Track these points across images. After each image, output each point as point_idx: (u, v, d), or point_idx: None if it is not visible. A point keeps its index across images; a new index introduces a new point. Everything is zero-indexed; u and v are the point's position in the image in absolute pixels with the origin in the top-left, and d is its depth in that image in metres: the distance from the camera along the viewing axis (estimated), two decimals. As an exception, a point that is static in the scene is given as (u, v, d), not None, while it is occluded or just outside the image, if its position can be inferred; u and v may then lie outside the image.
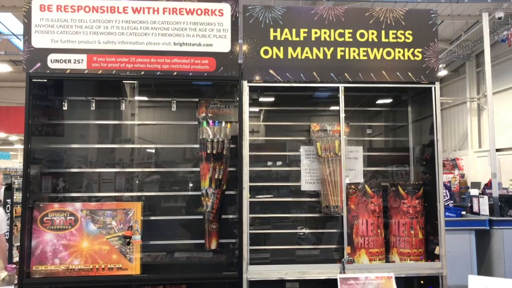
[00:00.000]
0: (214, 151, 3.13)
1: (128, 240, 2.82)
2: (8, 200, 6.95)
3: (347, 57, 3.04)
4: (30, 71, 2.79)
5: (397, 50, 3.07)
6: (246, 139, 2.93)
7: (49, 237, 2.83)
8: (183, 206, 3.36)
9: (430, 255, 3.08)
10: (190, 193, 3.37)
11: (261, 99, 3.47)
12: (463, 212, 5.83)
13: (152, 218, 3.26)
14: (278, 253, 3.29)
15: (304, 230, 3.32)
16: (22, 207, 2.76)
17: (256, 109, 3.50)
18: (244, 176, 2.91)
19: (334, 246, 3.20)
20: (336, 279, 2.84)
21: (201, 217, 3.25)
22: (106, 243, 2.86)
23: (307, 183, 3.32)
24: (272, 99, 3.54)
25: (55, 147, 3.23)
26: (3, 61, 11.61)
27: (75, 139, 3.30)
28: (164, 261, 3.29)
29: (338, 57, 3.03)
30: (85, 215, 2.88)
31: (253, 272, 2.86)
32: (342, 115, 3.05)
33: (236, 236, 3.22)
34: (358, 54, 3.05)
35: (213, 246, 3.17)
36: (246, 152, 2.93)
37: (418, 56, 3.09)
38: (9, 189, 6.94)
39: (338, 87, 3.04)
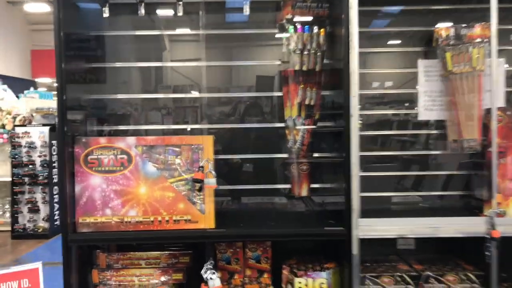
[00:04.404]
0: (304, 67, 2.31)
1: (199, 184, 2.12)
2: (54, 142, 6.53)
3: None
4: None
5: None
6: (355, 46, 2.09)
7: (96, 181, 2.18)
8: (262, 142, 2.62)
9: None
10: (270, 125, 2.61)
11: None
12: None
13: (222, 157, 2.53)
14: (380, 203, 2.52)
15: (424, 172, 2.53)
16: (58, 140, 2.10)
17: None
18: (352, 99, 2.09)
19: (467, 193, 2.41)
20: (479, 238, 2.07)
21: (285, 155, 2.50)
22: (170, 188, 2.19)
23: (426, 110, 2.46)
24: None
25: (95, 66, 2.52)
26: (41, 1, 10.96)
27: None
28: (241, 210, 2.62)
29: None
30: (140, 153, 2.19)
31: (365, 227, 2.12)
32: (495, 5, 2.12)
33: (331, 180, 2.48)
34: None
35: (304, 192, 2.44)
36: (354, 66, 2.10)
37: None
38: (53, 129, 6.49)
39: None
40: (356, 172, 2.11)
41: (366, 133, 2.25)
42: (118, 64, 2.51)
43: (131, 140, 2.20)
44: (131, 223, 2.19)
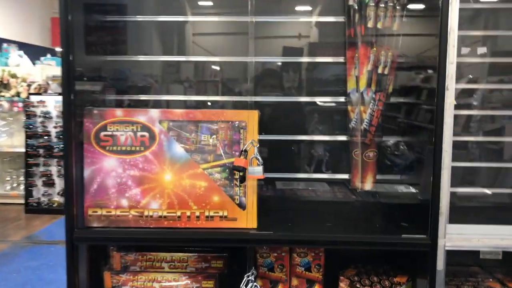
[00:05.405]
0: (379, 24, 1.78)
1: (240, 173, 1.64)
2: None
3: None
4: None
5: None
6: (455, -6, 1.55)
7: (110, 164, 1.72)
8: (318, 121, 2.11)
9: None
10: (324, 99, 2.09)
11: None
12: None
13: (264, 138, 2.02)
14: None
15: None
16: (63, 110, 1.64)
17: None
18: (448, 66, 1.57)
19: None
20: None
21: (344, 138, 2.01)
22: (202, 176, 1.71)
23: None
24: None
25: (111, 19, 2.03)
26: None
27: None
28: (278, 199, 2.14)
29: None
30: (166, 130, 1.71)
31: (455, 236, 1.63)
32: None
33: (405, 170, 1.98)
34: None
35: (368, 185, 1.94)
36: (454, 22, 1.56)
37: None
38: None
39: None
40: (448, 163, 1.60)
41: (463, 113, 1.71)
42: (139, 18, 2.02)
43: (155, 113, 1.72)
44: (153, 218, 1.73)
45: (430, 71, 2.03)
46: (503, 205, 2.15)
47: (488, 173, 2.20)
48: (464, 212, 1.91)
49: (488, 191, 1.92)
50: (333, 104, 2.08)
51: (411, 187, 2.14)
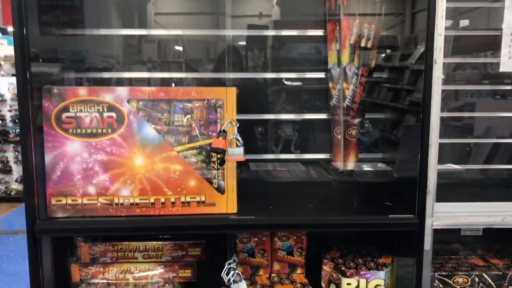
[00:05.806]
0: (362, -5, 1.69)
1: (220, 155, 1.52)
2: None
3: None
4: None
5: None
6: (443, -39, 1.47)
7: (74, 148, 1.56)
8: (292, 98, 2.01)
9: None
10: (302, 75, 1.98)
11: None
12: None
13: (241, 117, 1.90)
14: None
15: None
16: (18, 90, 1.46)
17: None
18: (437, 38, 1.49)
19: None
20: None
21: (324, 116, 1.93)
22: (177, 159, 1.58)
23: (512, 59, 1.89)
24: None
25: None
26: None
27: None
28: (252, 180, 2.05)
29: None
30: (135, 110, 1.57)
31: (442, 215, 1.58)
32: None
33: (389, 148, 1.92)
34: None
35: (350, 165, 1.87)
36: (442, -10, 1.48)
37: None
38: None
39: None
40: (435, 140, 1.54)
41: (450, 87, 1.65)
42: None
43: (122, 91, 1.57)
44: (124, 206, 1.60)
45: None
46: (476, 181, 2.13)
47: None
48: (443, 190, 1.88)
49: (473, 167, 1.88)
50: (312, 81, 1.98)
51: (385, 165, 2.09)
